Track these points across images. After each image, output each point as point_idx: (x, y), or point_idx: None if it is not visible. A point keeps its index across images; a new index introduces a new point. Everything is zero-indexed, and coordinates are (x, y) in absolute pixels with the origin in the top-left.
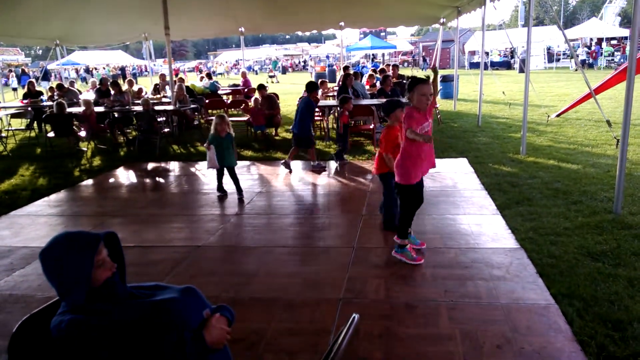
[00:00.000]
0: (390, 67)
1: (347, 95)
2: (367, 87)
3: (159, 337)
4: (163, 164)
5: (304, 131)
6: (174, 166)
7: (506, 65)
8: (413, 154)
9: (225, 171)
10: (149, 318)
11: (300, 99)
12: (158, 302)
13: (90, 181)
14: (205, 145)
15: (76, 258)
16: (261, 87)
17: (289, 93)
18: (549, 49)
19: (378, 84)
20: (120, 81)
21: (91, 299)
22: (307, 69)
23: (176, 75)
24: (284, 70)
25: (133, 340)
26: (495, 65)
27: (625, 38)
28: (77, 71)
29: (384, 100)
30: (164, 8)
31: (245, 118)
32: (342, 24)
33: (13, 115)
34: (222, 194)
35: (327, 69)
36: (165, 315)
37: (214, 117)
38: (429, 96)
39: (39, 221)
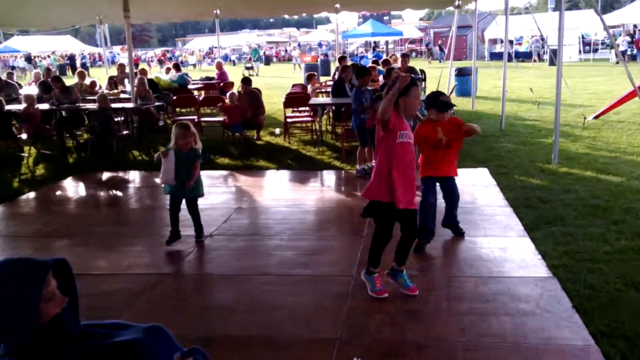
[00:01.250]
0: (399, 58)
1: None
2: None
3: None
4: (121, 174)
5: (356, 126)
6: (135, 176)
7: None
8: (394, 157)
9: (184, 202)
10: None
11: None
12: (118, 344)
13: (32, 194)
14: (158, 154)
15: (19, 290)
16: (246, 81)
17: (274, 87)
18: (584, 37)
19: (381, 77)
20: (69, 72)
21: (36, 339)
22: (292, 60)
23: (137, 65)
24: (267, 61)
25: None
26: (520, 57)
27: None
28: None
29: None
30: None
31: (221, 118)
32: (337, 6)
33: None
34: (175, 239)
35: (319, 59)
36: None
37: (175, 125)
38: (420, 100)
39: None
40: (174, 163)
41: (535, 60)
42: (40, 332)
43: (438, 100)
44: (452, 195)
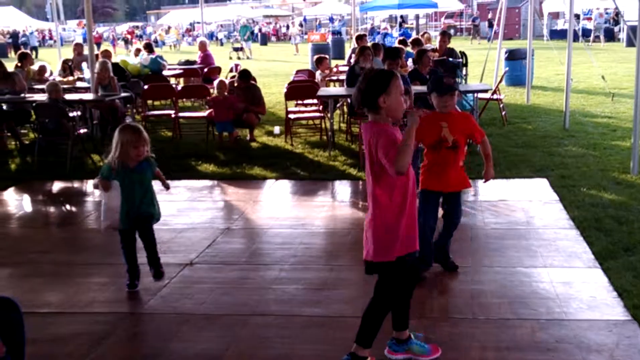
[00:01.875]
0: (434, 37)
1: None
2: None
3: None
4: (76, 184)
5: None
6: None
7: (607, 34)
8: (393, 200)
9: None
10: None
11: None
12: None
13: None
14: (96, 180)
15: None
16: (243, 76)
17: (272, 75)
18: None
19: (410, 62)
20: (12, 54)
21: None
22: (290, 39)
23: (99, 45)
24: (264, 40)
25: None
26: (589, 35)
27: None
28: None
29: (420, 86)
30: None
31: (204, 114)
32: None
33: None
34: (137, 279)
35: (329, 38)
36: None
37: (122, 130)
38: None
39: None
40: (120, 188)
41: (594, 41)
42: None
43: (440, 82)
44: (454, 215)
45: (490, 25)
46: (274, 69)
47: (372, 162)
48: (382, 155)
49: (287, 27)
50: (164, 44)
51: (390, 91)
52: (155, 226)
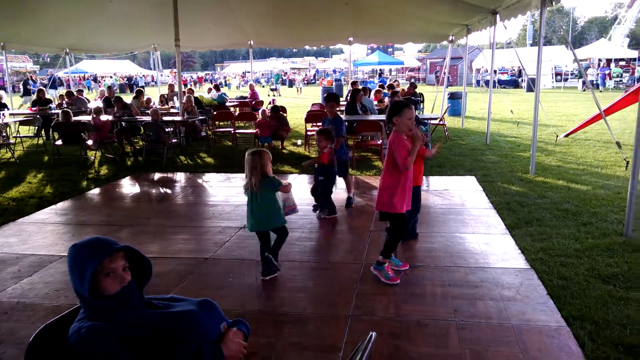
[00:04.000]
0: (400, 83)
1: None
2: (375, 102)
3: (177, 348)
4: (170, 175)
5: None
6: (181, 177)
7: (514, 84)
8: (401, 183)
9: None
10: (168, 328)
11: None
12: (177, 314)
13: (97, 190)
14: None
15: (87, 257)
16: (275, 110)
17: (295, 106)
18: (556, 68)
19: (386, 99)
20: (128, 91)
21: (108, 306)
22: (295, 84)
23: (185, 85)
24: (291, 84)
25: (151, 349)
26: (502, 84)
27: (634, 59)
28: (83, 78)
29: None
30: (174, 20)
31: (252, 131)
32: (351, 39)
33: (21, 123)
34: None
35: (334, 83)
36: (184, 327)
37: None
38: (414, 120)
39: (46, 229)
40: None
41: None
42: (110, 301)
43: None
44: (418, 202)
45: (437, 76)
46: (297, 103)
47: (390, 157)
48: (397, 156)
49: (306, 75)
50: (230, 85)
51: (402, 114)
52: (220, 202)
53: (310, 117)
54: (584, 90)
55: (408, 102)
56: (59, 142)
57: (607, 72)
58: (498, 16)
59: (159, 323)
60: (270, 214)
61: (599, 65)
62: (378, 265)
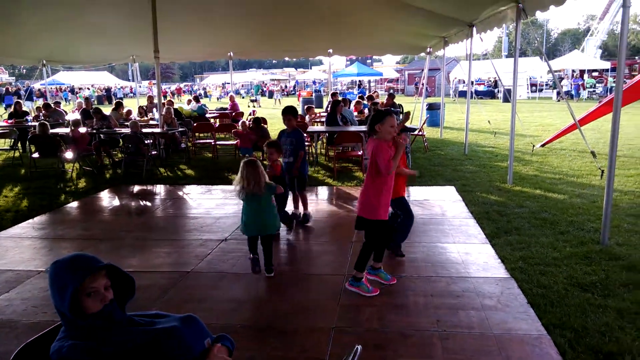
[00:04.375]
0: (379, 94)
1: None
2: (355, 113)
3: None
4: (149, 187)
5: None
6: (161, 189)
7: (490, 94)
8: (384, 188)
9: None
10: (151, 346)
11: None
12: (160, 330)
13: (75, 203)
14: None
15: (68, 276)
16: (256, 121)
17: (276, 117)
18: (531, 79)
19: (366, 110)
20: (106, 102)
21: (90, 325)
22: (273, 95)
23: (165, 96)
24: (271, 95)
25: None
26: (479, 94)
27: (606, 70)
28: (60, 90)
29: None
30: (154, 31)
31: (233, 142)
32: (330, 51)
33: None
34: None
35: (313, 94)
36: (167, 344)
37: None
38: (395, 129)
39: (23, 244)
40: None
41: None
42: (92, 318)
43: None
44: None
45: (416, 87)
46: (277, 114)
47: (373, 164)
48: (380, 160)
49: (285, 86)
50: (211, 96)
51: (384, 121)
52: (201, 214)
53: None
54: (559, 101)
55: (388, 109)
56: (36, 155)
57: (580, 82)
58: (474, 29)
59: (142, 340)
60: (273, 216)
61: (572, 76)
62: (355, 281)
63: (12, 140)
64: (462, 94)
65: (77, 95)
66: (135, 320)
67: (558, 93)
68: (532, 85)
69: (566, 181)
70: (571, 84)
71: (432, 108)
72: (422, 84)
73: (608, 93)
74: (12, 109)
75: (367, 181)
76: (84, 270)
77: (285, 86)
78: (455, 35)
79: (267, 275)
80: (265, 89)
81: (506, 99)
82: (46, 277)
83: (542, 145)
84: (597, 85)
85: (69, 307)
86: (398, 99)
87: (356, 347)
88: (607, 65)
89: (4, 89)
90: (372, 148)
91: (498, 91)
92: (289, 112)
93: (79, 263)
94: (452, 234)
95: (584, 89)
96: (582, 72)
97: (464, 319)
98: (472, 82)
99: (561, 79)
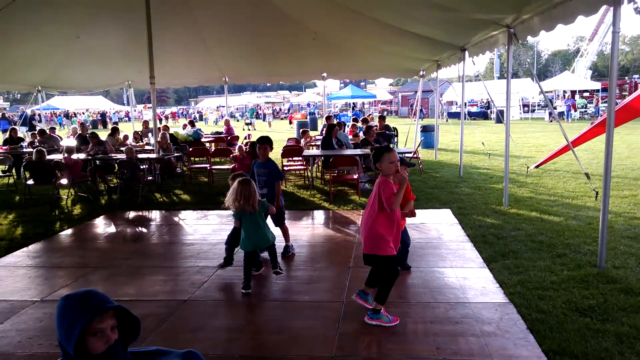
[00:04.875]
0: (377, 118)
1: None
2: (350, 136)
3: None
4: (145, 213)
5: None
6: (157, 215)
7: (483, 115)
8: (390, 224)
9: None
10: None
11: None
12: None
13: (70, 231)
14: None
15: (77, 314)
16: (253, 146)
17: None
18: (523, 100)
19: (361, 134)
20: (100, 126)
21: None
22: (265, 118)
23: (160, 120)
24: (265, 118)
25: None
26: (472, 115)
27: (597, 90)
28: (54, 115)
29: (368, 149)
30: (149, 57)
31: (229, 166)
32: (324, 74)
33: None
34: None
35: (308, 117)
36: None
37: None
38: (396, 162)
39: (17, 273)
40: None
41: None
42: (93, 358)
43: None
44: (407, 238)
45: (410, 109)
46: (272, 137)
47: (377, 200)
48: (384, 199)
49: (280, 109)
50: (207, 119)
51: (382, 160)
52: (198, 240)
53: (287, 152)
54: (551, 121)
55: (384, 136)
56: (31, 182)
57: (571, 103)
58: (467, 52)
59: None
60: (267, 230)
61: (563, 96)
62: (374, 314)
63: (7, 166)
64: (454, 115)
65: (72, 120)
66: (137, 359)
67: (550, 114)
68: (524, 105)
69: (561, 203)
70: (562, 105)
71: (427, 130)
72: (416, 106)
73: (599, 113)
74: (7, 135)
75: (370, 218)
76: (94, 309)
77: (280, 109)
78: (448, 59)
79: (276, 275)
80: (260, 112)
81: (499, 120)
82: (41, 308)
83: (537, 167)
84: (588, 105)
85: (75, 347)
86: (392, 121)
87: None
88: (597, 85)
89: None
90: (377, 183)
91: (491, 112)
92: (265, 142)
93: (90, 301)
94: (450, 258)
95: (576, 110)
96: (573, 92)
97: (463, 346)
98: (465, 104)
99: (551, 100)
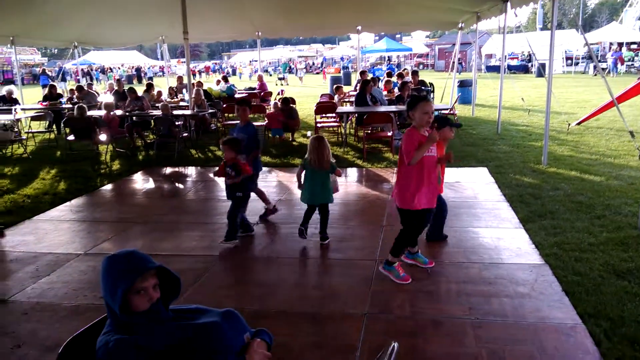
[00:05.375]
0: (410, 74)
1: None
2: (385, 92)
3: None
4: (181, 169)
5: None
6: (192, 171)
7: (523, 69)
8: (415, 177)
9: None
10: (193, 341)
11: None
12: (201, 326)
13: (110, 186)
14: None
15: (120, 275)
16: (285, 102)
17: (303, 96)
18: (566, 52)
19: (396, 89)
20: (135, 82)
21: (136, 322)
22: (297, 73)
23: (194, 75)
24: (297, 72)
25: None
26: (512, 69)
27: None
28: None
29: (402, 106)
30: (182, 13)
31: (262, 123)
32: (359, 28)
33: (33, 118)
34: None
35: (341, 71)
36: (209, 339)
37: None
38: (431, 114)
39: (61, 227)
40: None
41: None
42: (135, 315)
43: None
44: (443, 205)
45: (460, 63)
46: (305, 93)
47: (400, 151)
48: (404, 151)
49: (313, 63)
50: (242, 74)
51: (416, 108)
52: None
53: (321, 108)
54: (595, 75)
55: (419, 92)
56: (71, 137)
57: (618, 56)
58: (509, 4)
59: (185, 335)
60: (330, 189)
61: (610, 49)
62: (387, 265)
63: (48, 122)
64: (493, 69)
65: (107, 75)
66: (178, 316)
67: (594, 67)
68: (567, 58)
69: (603, 162)
70: (609, 58)
71: (464, 85)
72: (454, 60)
73: None
74: (47, 91)
75: (399, 169)
76: (136, 271)
77: (313, 63)
78: (489, 11)
79: (322, 243)
80: (293, 66)
81: (540, 74)
82: (85, 261)
83: (578, 124)
84: (635, 58)
85: (119, 306)
86: (428, 75)
87: (393, 344)
88: None
89: (40, 69)
90: (404, 135)
91: (532, 65)
92: (243, 103)
93: (132, 262)
94: (485, 218)
95: (623, 63)
96: (620, 44)
97: (496, 306)
98: (505, 57)
99: (598, 52)
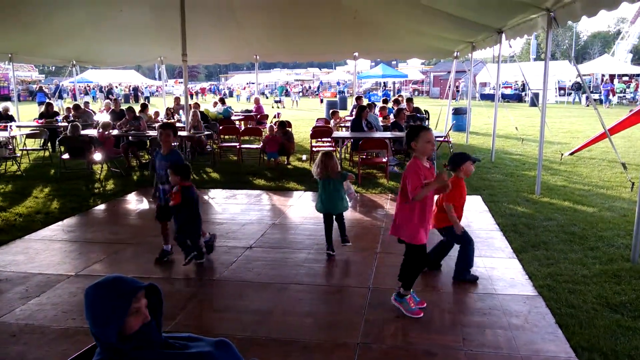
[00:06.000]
0: (405, 100)
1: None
2: (380, 118)
3: None
4: None
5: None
6: None
7: (517, 98)
8: (417, 212)
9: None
10: None
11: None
12: (192, 355)
13: (103, 206)
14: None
15: (114, 302)
16: (282, 125)
17: (300, 119)
18: (559, 83)
19: (391, 116)
20: (132, 101)
21: (126, 345)
22: (291, 96)
23: (191, 96)
24: (292, 96)
25: None
26: (506, 98)
27: (637, 75)
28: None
29: (398, 132)
30: (182, 35)
31: (258, 146)
32: (356, 54)
33: (28, 135)
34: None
35: (337, 95)
36: None
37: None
38: (433, 143)
39: (53, 247)
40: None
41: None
42: (128, 340)
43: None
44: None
45: (457, 90)
46: (301, 116)
47: (404, 184)
48: (408, 183)
49: (309, 87)
50: (239, 96)
51: (419, 138)
52: (227, 220)
53: (317, 133)
54: (588, 106)
55: (414, 119)
56: (66, 156)
57: (610, 87)
58: (503, 35)
59: None
60: (342, 198)
61: (602, 80)
62: (399, 297)
63: (43, 140)
64: (486, 97)
65: (104, 92)
66: (170, 343)
67: (587, 98)
68: (560, 89)
69: (595, 193)
70: (600, 91)
71: (458, 112)
72: (448, 87)
73: (639, 97)
74: (43, 109)
75: (400, 202)
76: (129, 294)
77: (309, 87)
78: (484, 41)
79: (344, 245)
80: (289, 89)
81: (533, 103)
82: (76, 282)
83: (571, 154)
84: (627, 90)
85: (117, 334)
86: (423, 102)
87: None
88: (638, 70)
89: (36, 86)
90: (407, 166)
91: (525, 94)
92: (168, 127)
93: (122, 287)
94: (479, 247)
95: (614, 95)
96: (612, 76)
97: (490, 338)
98: (499, 86)
99: (590, 83)
